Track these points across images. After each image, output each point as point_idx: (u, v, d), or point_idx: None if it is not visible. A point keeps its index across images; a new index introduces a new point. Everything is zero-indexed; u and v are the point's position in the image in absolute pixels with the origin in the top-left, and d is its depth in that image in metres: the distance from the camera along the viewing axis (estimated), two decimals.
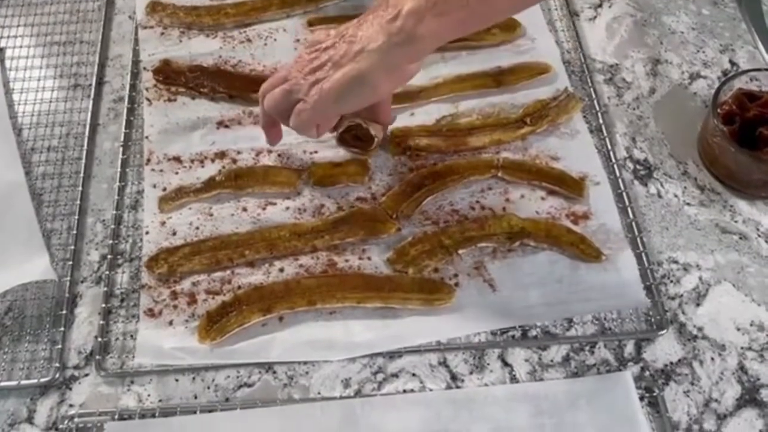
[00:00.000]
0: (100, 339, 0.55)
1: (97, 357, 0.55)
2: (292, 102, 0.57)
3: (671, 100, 0.69)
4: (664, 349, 0.56)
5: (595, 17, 0.75)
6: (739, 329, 0.57)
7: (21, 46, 0.73)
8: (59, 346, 0.55)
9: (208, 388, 0.54)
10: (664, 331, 0.56)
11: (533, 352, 0.56)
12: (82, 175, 0.64)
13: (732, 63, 0.71)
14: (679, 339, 0.56)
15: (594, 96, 0.69)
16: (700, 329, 0.57)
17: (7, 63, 0.72)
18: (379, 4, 0.54)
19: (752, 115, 0.62)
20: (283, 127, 0.61)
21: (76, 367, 0.55)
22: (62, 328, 0.56)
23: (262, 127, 0.62)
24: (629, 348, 0.56)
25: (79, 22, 0.75)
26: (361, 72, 0.54)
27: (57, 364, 0.54)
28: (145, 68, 0.71)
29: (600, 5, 0.76)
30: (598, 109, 0.68)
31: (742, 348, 0.56)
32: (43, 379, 0.54)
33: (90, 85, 0.70)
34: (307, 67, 0.56)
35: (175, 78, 0.69)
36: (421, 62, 0.57)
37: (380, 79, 0.54)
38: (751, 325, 0.57)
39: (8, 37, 0.74)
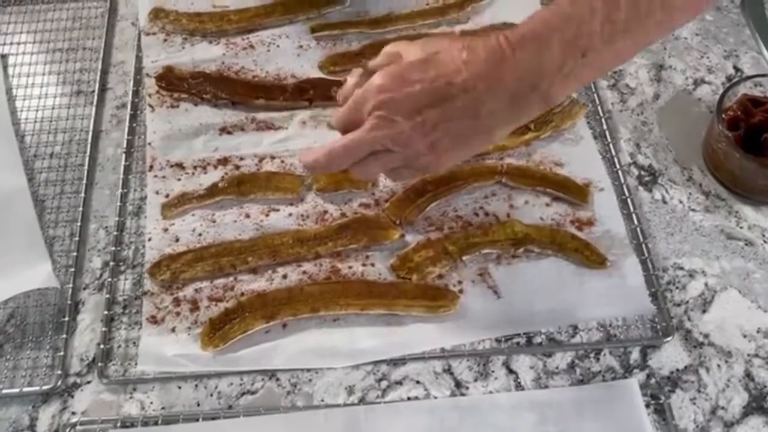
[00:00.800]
0: (102, 346, 0.55)
1: (100, 364, 0.54)
2: (393, 167, 0.53)
3: (675, 106, 0.69)
4: (670, 356, 0.55)
5: None
6: (745, 336, 0.56)
7: (24, 53, 0.73)
8: (61, 353, 0.55)
9: (211, 395, 0.54)
10: (670, 337, 0.56)
11: (538, 359, 0.55)
12: (84, 181, 0.64)
13: (736, 68, 0.71)
14: (685, 346, 0.56)
15: (598, 101, 0.69)
16: (706, 336, 0.56)
17: (11, 69, 0.72)
18: (488, 45, 0.49)
19: (757, 121, 0.61)
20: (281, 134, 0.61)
21: (78, 375, 0.55)
22: (64, 335, 0.56)
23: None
24: (635, 355, 0.55)
25: (82, 28, 0.75)
26: (490, 140, 0.52)
27: (59, 372, 0.54)
28: (147, 75, 0.71)
29: None
30: (601, 114, 0.68)
31: (748, 355, 0.55)
32: (45, 387, 0.53)
33: (93, 91, 0.70)
34: (416, 140, 0.50)
35: (177, 84, 0.69)
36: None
37: (507, 134, 0.52)
38: (757, 332, 0.56)
39: (11, 43, 0.74)
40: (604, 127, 0.67)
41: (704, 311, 0.57)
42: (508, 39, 0.48)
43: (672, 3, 0.49)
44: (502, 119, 0.50)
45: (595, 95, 0.69)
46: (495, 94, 0.49)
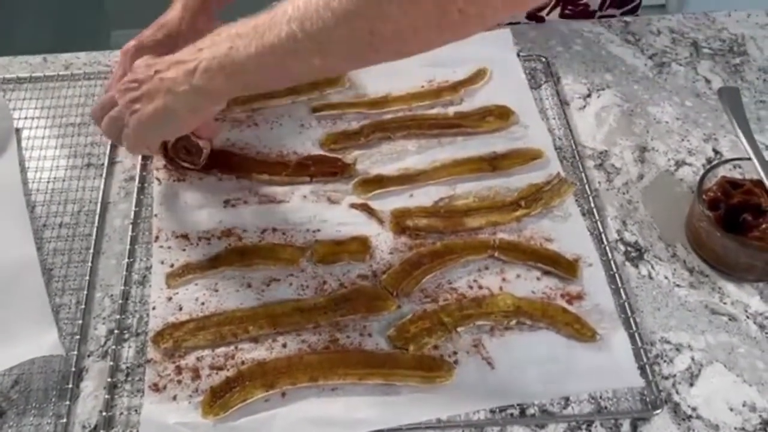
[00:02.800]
0: (104, 413, 0.56)
1: (102, 431, 0.55)
2: (119, 128, 0.66)
3: (659, 186, 0.73)
4: (660, 428, 0.57)
5: (585, 106, 0.80)
6: (732, 410, 0.58)
7: (38, 127, 0.76)
8: (64, 420, 0.56)
9: None
10: (659, 410, 0.57)
11: (531, 430, 0.56)
12: (92, 251, 0.66)
13: (715, 151, 0.75)
14: (674, 418, 0.57)
15: (585, 180, 0.72)
16: (694, 409, 0.58)
17: (24, 143, 0.75)
18: (188, 47, 0.62)
19: (736, 202, 0.65)
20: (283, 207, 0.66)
21: None
22: (68, 402, 0.57)
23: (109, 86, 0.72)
24: (625, 427, 0.57)
25: (94, 104, 0.78)
26: (167, 109, 0.62)
27: None
28: None
29: (589, 95, 0.81)
30: (589, 193, 0.71)
31: (735, 428, 0.57)
32: None
33: (102, 164, 0.73)
34: (127, 96, 0.64)
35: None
36: (225, 100, 0.65)
37: (185, 115, 0.63)
38: (743, 405, 0.58)
39: (26, 118, 0.77)
40: (592, 204, 0.70)
41: (691, 384, 0.59)
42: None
43: (296, 36, 0.54)
44: (177, 91, 0.61)
45: (583, 174, 0.72)
46: (175, 68, 0.61)
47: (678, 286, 0.65)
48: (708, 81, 0.82)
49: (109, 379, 0.58)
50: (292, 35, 0.54)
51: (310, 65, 0.56)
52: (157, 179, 0.72)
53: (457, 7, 0.49)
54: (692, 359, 0.60)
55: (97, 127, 0.75)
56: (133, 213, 0.69)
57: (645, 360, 0.59)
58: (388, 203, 0.70)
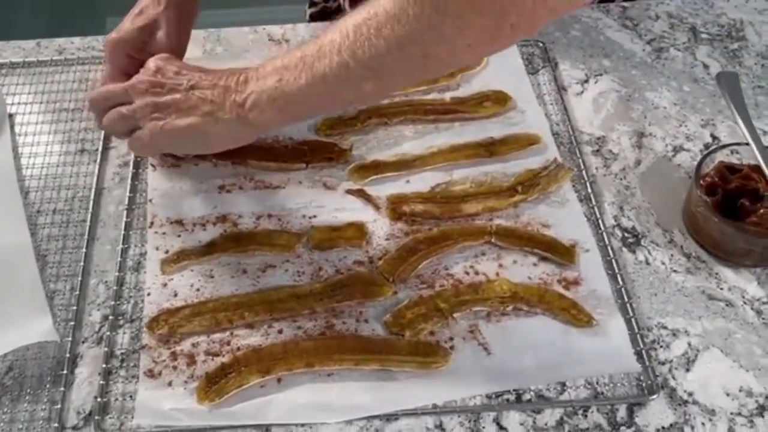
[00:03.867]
0: (99, 399, 0.56)
1: (96, 417, 0.55)
2: (129, 126, 0.64)
3: (656, 171, 0.72)
4: (656, 413, 0.57)
5: (582, 92, 0.79)
6: (728, 395, 0.58)
7: (31, 113, 0.76)
8: (58, 406, 0.55)
9: None
10: (655, 395, 0.57)
11: (528, 416, 0.56)
12: (86, 237, 0.65)
13: (713, 137, 0.75)
14: (670, 404, 0.57)
15: (582, 166, 0.72)
16: (690, 394, 0.58)
17: (17, 128, 0.74)
18: (232, 72, 0.61)
19: (734, 187, 0.65)
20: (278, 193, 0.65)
21: (74, 428, 0.55)
22: (62, 388, 0.56)
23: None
24: (621, 412, 0.57)
25: (88, 89, 0.78)
26: (204, 130, 0.61)
27: (56, 425, 0.54)
28: None
29: (586, 81, 0.80)
30: (586, 178, 0.71)
31: (731, 413, 0.57)
32: None
33: (96, 150, 0.72)
34: (149, 99, 0.62)
35: None
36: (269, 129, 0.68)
37: (220, 141, 0.63)
38: (740, 390, 0.58)
39: (19, 103, 0.76)
40: (589, 190, 0.70)
41: (688, 370, 0.59)
42: (256, 67, 0.60)
43: (348, 65, 0.54)
44: (217, 116, 0.60)
45: (580, 160, 0.72)
46: (218, 92, 0.60)
47: (675, 271, 0.65)
48: (706, 66, 0.82)
49: (103, 365, 0.58)
50: (344, 64, 0.54)
51: (362, 91, 0.57)
52: (152, 165, 0.71)
53: (510, 22, 0.50)
54: (689, 345, 0.60)
55: (91, 114, 0.75)
56: (127, 199, 0.69)
57: (641, 345, 0.59)
58: (384, 189, 0.70)
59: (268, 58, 0.60)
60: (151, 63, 0.64)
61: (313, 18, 1.01)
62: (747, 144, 0.66)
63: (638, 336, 0.60)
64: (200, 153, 0.67)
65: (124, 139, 0.67)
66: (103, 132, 0.73)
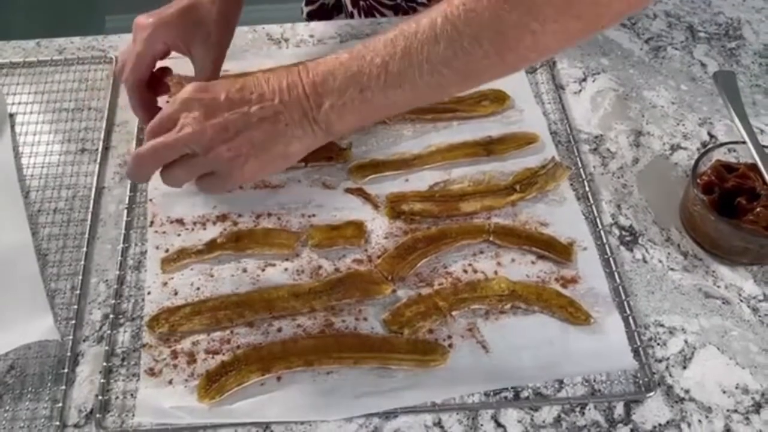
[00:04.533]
0: (100, 397, 0.56)
1: (98, 415, 0.55)
2: (199, 174, 0.59)
3: (654, 170, 0.73)
4: (653, 410, 0.57)
5: (580, 91, 0.79)
6: (724, 392, 0.58)
7: (32, 112, 0.76)
8: (60, 405, 0.56)
9: None
10: (652, 393, 0.57)
11: (525, 413, 0.57)
12: (86, 236, 0.66)
13: (710, 135, 0.75)
14: (666, 401, 0.58)
15: (580, 165, 0.72)
16: (687, 391, 0.58)
17: (18, 128, 0.74)
18: (289, 84, 0.57)
19: (731, 186, 0.65)
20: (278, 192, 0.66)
21: (76, 426, 0.55)
22: (63, 387, 0.57)
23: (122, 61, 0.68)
24: (619, 409, 0.57)
25: (88, 89, 0.78)
26: (288, 154, 0.59)
27: (57, 423, 0.55)
28: None
29: (584, 79, 0.81)
30: (584, 177, 0.71)
31: (728, 410, 0.57)
32: None
33: (97, 149, 0.73)
34: (221, 147, 0.57)
35: None
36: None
37: (301, 153, 0.60)
38: (736, 387, 0.58)
39: (20, 103, 0.77)
40: (587, 189, 0.70)
41: (685, 367, 0.59)
42: (307, 69, 0.57)
43: (441, 72, 0.54)
44: (295, 136, 0.58)
45: (578, 159, 0.72)
46: (289, 112, 0.57)
47: (672, 269, 0.65)
48: (704, 65, 0.82)
49: (104, 364, 0.58)
50: (436, 71, 0.54)
51: (448, 92, 0.58)
52: None
53: (602, 25, 0.53)
54: (686, 342, 0.61)
55: (91, 113, 0.75)
56: (127, 198, 0.69)
57: (638, 343, 0.60)
58: (383, 188, 0.70)
59: (320, 59, 0.58)
60: (193, 107, 0.57)
61: (311, 16, 1.02)
62: (744, 143, 0.66)
63: (635, 333, 0.60)
64: (282, 170, 0.66)
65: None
66: (103, 132, 0.74)
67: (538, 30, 0.51)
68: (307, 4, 1.00)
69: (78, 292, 0.62)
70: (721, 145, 0.68)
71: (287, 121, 0.57)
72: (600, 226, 0.67)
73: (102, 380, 0.57)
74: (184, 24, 0.67)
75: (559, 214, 0.68)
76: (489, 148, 0.73)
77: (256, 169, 0.59)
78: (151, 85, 0.70)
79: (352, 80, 0.56)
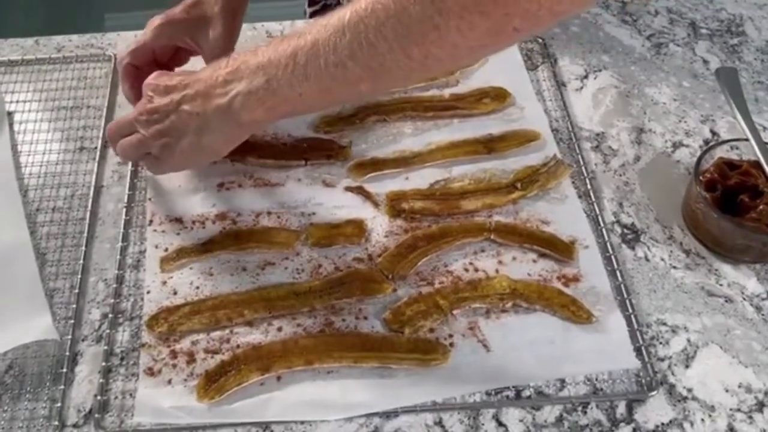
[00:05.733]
0: (99, 397, 0.56)
1: (96, 416, 0.55)
2: (141, 152, 0.64)
3: (656, 168, 0.72)
4: (655, 409, 0.57)
5: (582, 88, 0.79)
6: (727, 391, 0.58)
7: (30, 110, 0.75)
8: (59, 405, 0.55)
9: None
10: (655, 392, 0.57)
11: (527, 413, 0.57)
12: (85, 235, 0.65)
13: (713, 132, 0.75)
14: (669, 400, 0.57)
15: (582, 162, 0.72)
16: (689, 390, 0.58)
17: (16, 126, 0.74)
18: (211, 71, 0.59)
19: (733, 183, 0.64)
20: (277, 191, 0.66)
21: (75, 426, 0.55)
22: (62, 386, 0.56)
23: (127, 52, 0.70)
24: (621, 409, 0.57)
25: (87, 87, 0.78)
26: (202, 144, 0.61)
27: (56, 423, 0.55)
28: None
29: (586, 77, 0.80)
30: (585, 175, 0.71)
31: (731, 409, 0.57)
32: None
33: (95, 148, 0.72)
34: (153, 129, 0.62)
35: None
36: (263, 128, 0.68)
37: (221, 147, 0.62)
38: (739, 386, 0.58)
39: (18, 101, 0.76)
40: (588, 186, 0.70)
41: (687, 366, 0.59)
42: (231, 57, 0.59)
43: (345, 64, 0.53)
44: (208, 124, 0.60)
45: (580, 156, 0.72)
46: (202, 99, 0.59)
47: (674, 267, 0.65)
48: (706, 62, 0.82)
49: (103, 364, 0.58)
50: (341, 64, 0.53)
51: (358, 90, 0.56)
52: None
53: (513, 26, 0.49)
54: (688, 341, 0.60)
55: (90, 112, 0.75)
56: (126, 197, 0.68)
57: (641, 342, 0.59)
58: (383, 186, 0.70)
59: (251, 49, 0.58)
60: (145, 87, 0.63)
61: (314, 17, 1.01)
62: (746, 140, 0.66)
63: (637, 332, 0.60)
64: (212, 161, 0.66)
65: (138, 161, 0.69)
66: (102, 130, 0.73)
67: (441, 24, 0.49)
68: (310, 5, 1.00)
69: (77, 291, 0.62)
70: (724, 142, 0.68)
71: (199, 111, 0.59)
72: (602, 224, 0.67)
73: (101, 380, 0.57)
74: (189, 20, 0.69)
75: (561, 212, 0.68)
76: (490, 145, 0.72)
77: (180, 157, 0.62)
78: None
79: (260, 69, 0.56)
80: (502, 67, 0.79)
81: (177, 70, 0.70)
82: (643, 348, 0.59)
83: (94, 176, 0.70)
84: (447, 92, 0.77)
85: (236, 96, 0.57)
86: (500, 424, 0.56)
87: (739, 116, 0.68)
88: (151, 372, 0.57)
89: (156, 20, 0.70)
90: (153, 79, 0.63)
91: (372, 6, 0.51)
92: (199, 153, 0.62)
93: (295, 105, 0.57)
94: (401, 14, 0.50)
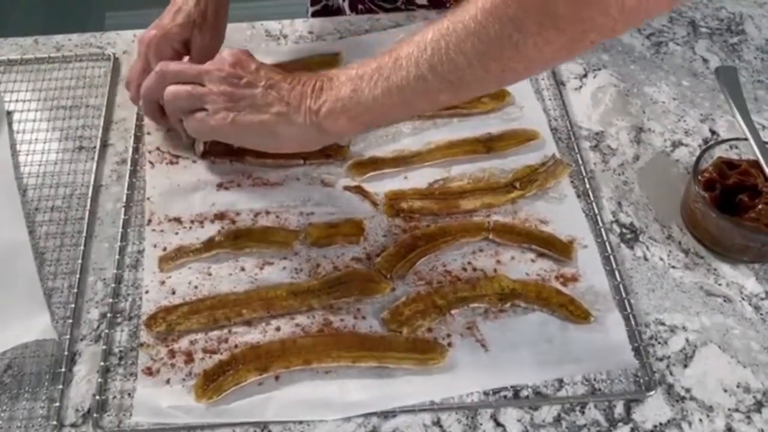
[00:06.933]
0: (97, 397, 0.56)
1: (95, 415, 0.55)
2: (192, 106, 0.64)
3: (654, 167, 0.72)
4: (653, 409, 0.57)
5: (581, 87, 0.79)
6: (726, 391, 0.58)
7: (29, 110, 0.75)
8: (57, 404, 0.56)
9: None
10: (653, 392, 0.57)
11: (525, 413, 0.56)
12: (84, 234, 0.65)
13: (712, 132, 0.75)
14: (667, 400, 0.57)
15: (581, 162, 0.72)
16: (687, 390, 0.58)
17: (15, 126, 0.74)
18: (309, 77, 0.62)
19: (732, 183, 0.64)
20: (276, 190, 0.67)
21: (73, 426, 0.55)
22: (60, 386, 0.56)
23: (132, 79, 0.71)
24: (619, 408, 0.57)
25: (86, 87, 0.78)
26: (277, 131, 0.63)
27: (54, 422, 0.55)
28: (148, 132, 0.73)
29: (585, 75, 0.80)
30: (584, 174, 0.71)
31: (729, 409, 0.57)
32: None
33: (94, 147, 0.72)
34: (224, 88, 0.62)
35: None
36: (341, 138, 0.69)
37: (289, 143, 0.64)
38: (737, 386, 0.58)
39: (17, 101, 0.76)
40: (587, 186, 0.70)
41: (686, 366, 0.59)
42: (325, 72, 0.62)
43: (426, 78, 0.56)
44: (289, 117, 0.62)
45: (578, 156, 0.72)
46: (295, 96, 0.62)
47: (673, 267, 0.65)
48: (705, 60, 0.81)
49: (102, 363, 0.58)
50: (422, 77, 0.56)
51: (437, 101, 0.59)
52: (150, 162, 0.71)
53: (590, 39, 0.52)
54: (687, 341, 0.60)
55: (90, 110, 0.75)
56: (125, 196, 0.68)
57: (639, 341, 0.59)
58: (382, 185, 0.70)
59: (348, 66, 0.62)
60: (230, 55, 0.64)
61: (315, 17, 1.01)
62: (746, 139, 0.66)
63: (636, 332, 0.60)
64: (264, 150, 0.67)
65: (168, 121, 0.68)
66: (101, 130, 0.73)
67: (519, 41, 0.52)
68: (312, 4, 1.00)
69: (75, 290, 0.62)
70: (723, 141, 0.68)
71: (288, 100, 0.62)
72: (600, 224, 0.67)
73: (99, 379, 0.57)
74: (179, 26, 0.70)
75: (560, 212, 0.68)
76: (489, 145, 0.72)
77: (241, 127, 0.63)
78: None
79: (349, 80, 0.60)
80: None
81: None
82: (641, 348, 0.59)
83: (92, 176, 0.70)
84: None
85: (325, 102, 0.60)
86: (498, 424, 0.56)
87: (738, 115, 0.68)
88: (149, 372, 0.57)
89: (149, 38, 0.70)
90: (244, 54, 0.64)
91: (453, 25, 0.54)
92: (264, 135, 0.63)
93: (376, 116, 0.61)
94: (481, 32, 0.53)
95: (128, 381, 0.57)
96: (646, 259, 0.65)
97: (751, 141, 0.65)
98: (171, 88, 0.65)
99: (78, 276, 0.63)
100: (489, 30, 0.52)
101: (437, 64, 0.55)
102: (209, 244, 0.65)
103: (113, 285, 0.62)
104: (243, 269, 0.64)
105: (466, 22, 0.53)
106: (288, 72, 0.64)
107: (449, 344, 0.59)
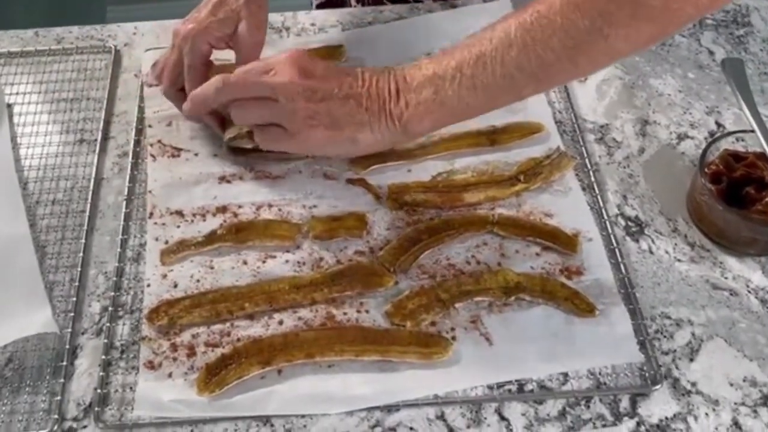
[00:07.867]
0: (99, 391, 0.56)
1: (96, 409, 0.55)
2: (265, 120, 0.63)
3: (660, 160, 0.72)
4: (659, 403, 0.56)
5: (586, 79, 0.78)
6: (732, 384, 0.57)
7: (29, 102, 0.75)
8: (58, 398, 0.55)
9: None
10: (659, 386, 0.57)
11: (529, 407, 0.56)
12: (85, 227, 0.65)
13: (718, 124, 0.74)
14: (673, 394, 0.57)
15: (586, 155, 0.71)
16: (693, 384, 0.57)
17: (16, 119, 0.73)
18: (379, 77, 0.61)
19: (739, 175, 0.64)
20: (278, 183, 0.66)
21: (74, 419, 0.55)
22: (62, 380, 0.56)
23: (165, 71, 0.70)
24: (624, 403, 0.56)
25: (87, 79, 0.77)
26: (357, 139, 0.62)
27: (56, 416, 0.54)
28: (149, 125, 0.73)
29: None
30: (589, 167, 0.70)
31: (735, 403, 0.56)
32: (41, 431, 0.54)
33: (95, 140, 0.72)
34: (302, 104, 0.61)
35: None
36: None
37: (370, 148, 0.65)
38: (744, 380, 0.57)
39: (17, 93, 0.76)
40: (592, 179, 0.69)
41: (691, 360, 0.59)
42: (396, 70, 0.62)
43: (513, 75, 0.57)
44: (370, 124, 0.62)
45: (583, 148, 0.71)
46: (372, 100, 0.61)
47: (679, 260, 0.64)
48: (711, 52, 0.81)
49: (103, 357, 0.57)
50: (509, 75, 0.57)
51: (521, 96, 0.60)
52: (151, 155, 0.71)
53: (676, 27, 0.54)
54: (692, 334, 0.60)
55: (89, 106, 0.75)
56: (126, 189, 0.68)
57: (644, 335, 0.59)
58: (385, 178, 0.69)
59: (413, 64, 0.61)
60: (291, 62, 0.61)
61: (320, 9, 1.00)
62: (752, 131, 0.65)
63: (641, 326, 0.59)
64: (344, 156, 0.67)
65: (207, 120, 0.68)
66: (102, 122, 0.73)
67: (611, 34, 0.52)
68: None
69: (77, 284, 0.61)
70: (729, 134, 0.67)
71: (367, 106, 0.61)
72: (605, 217, 0.66)
73: (101, 373, 0.57)
74: (219, 22, 0.68)
75: (564, 205, 0.67)
76: (493, 137, 0.72)
77: (322, 141, 0.62)
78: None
79: (428, 81, 0.59)
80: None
81: None
82: (646, 341, 0.59)
83: (94, 168, 0.70)
84: None
85: (406, 106, 0.60)
86: (503, 418, 0.55)
87: (745, 107, 0.67)
88: (151, 365, 0.57)
89: (185, 31, 0.67)
90: (305, 60, 0.62)
91: (537, 20, 0.54)
92: (342, 144, 0.63)
93: (460, 114, 0.62)
94: (569, 28, 0.53)
95: (130, 375, 0.57)
96: (651, 252, 0.65)
97: (758, 133, 0.65)
98: (243, 105, 0.63)
99: (79, 269, 0.62)
100: (578, 24, 0.52)
101: (524, 61, 0.55)
102: (211, 238, 0.64)
103: (115, 278, 0.62)
104: (245, 263, 0.63)
105: (551, 17, 0.53)
106: (356, 74, 0.63)
107: (453, 338, 0.59)
